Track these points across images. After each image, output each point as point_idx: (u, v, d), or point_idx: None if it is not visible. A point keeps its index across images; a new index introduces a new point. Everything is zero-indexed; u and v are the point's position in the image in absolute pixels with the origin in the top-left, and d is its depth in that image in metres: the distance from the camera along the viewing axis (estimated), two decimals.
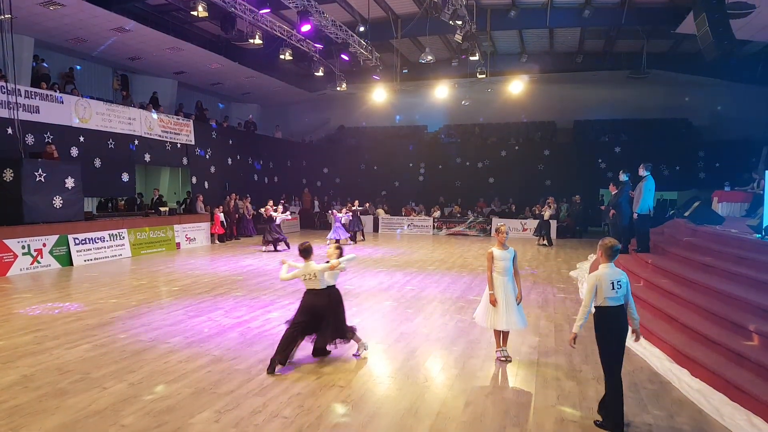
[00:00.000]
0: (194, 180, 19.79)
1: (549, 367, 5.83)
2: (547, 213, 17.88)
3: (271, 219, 16.02)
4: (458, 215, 22.46)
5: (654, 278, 8.07)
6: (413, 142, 25.64)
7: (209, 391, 5.00)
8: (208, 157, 20.58)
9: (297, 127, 27.76)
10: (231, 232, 19.06)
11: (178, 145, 18.90)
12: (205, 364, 5.76)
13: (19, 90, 13.13)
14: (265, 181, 24.68)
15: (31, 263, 11.85)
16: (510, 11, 16.85)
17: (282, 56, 15.47)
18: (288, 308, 8.43)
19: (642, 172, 9.80)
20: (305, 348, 6.11)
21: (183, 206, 18.68)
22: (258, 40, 14.31)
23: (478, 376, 5.58)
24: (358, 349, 6.17)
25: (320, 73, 17.47)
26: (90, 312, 8.08)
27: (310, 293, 5.88)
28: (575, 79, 22.47)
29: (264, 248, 15.95)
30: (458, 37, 13.96)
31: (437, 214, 22.74)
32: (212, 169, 20.85)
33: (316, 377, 5.43)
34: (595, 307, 4.46)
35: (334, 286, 6.06)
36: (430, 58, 15.95)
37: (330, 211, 19.75)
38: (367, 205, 22.98)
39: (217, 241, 18.17)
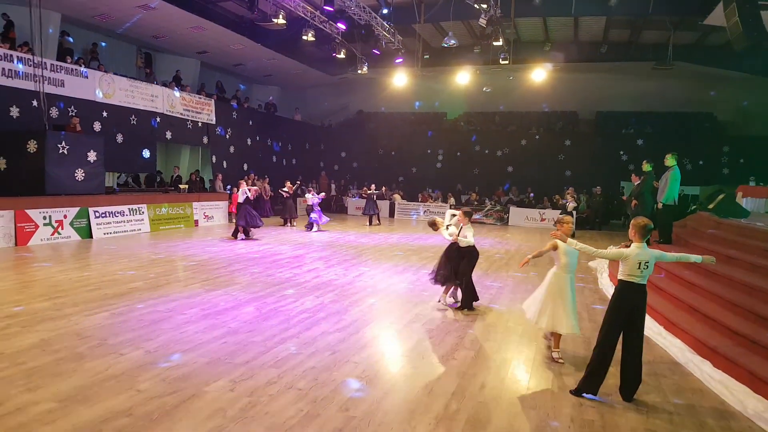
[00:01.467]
0: (214, 159, 19.90)
1: (567, 353, 5.74)
2: (570, 204, 17.58)
3: (248, 201, 13.86)
4: (475, 203, 22.28)
5: (676, 270, 7.91)
6: (432, 129, 25.42)
7: (225, 361, 5.02)
8: (228, 136, 20.66)
9: (316, 110, 27.69)
10: None
11: (200, 124, 18.99)
12: (220, 335, 5.79)
13: (44, 63, 13.24)
14: (283, 162, 24.75)
15: (52, 234, 12.02)
16: None
17: (305, 37, 15.35)
18: (304, 286, 8.46)
19: (669, 161, 9.59)
20: (314, 332, 6.08)
21: (187, 185, 17.84)
22: (281, 20, 14.22)
23: (495, 359, 5.52)
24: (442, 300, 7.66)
25: (342, 55, 17.32)
26: (108, 282, 8.18)
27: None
28: (599, 69, 22.04)
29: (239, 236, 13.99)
30: (482, 21, 13.73)
31: (452, 201, 22.60)
32: (231, 149, 20.93)
33: (331, 353, 5.43)
34: (618, 279, 4.55)
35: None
36: (453, 42, 15.72)
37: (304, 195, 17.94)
38: (384, 189, 22.86)
39: (233, 220, 18.25)
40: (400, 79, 19.97)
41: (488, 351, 5.74)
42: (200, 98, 19.14)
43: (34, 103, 12.94)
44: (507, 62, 17.96)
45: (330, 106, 27.62)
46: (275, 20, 14.22)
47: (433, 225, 7.80)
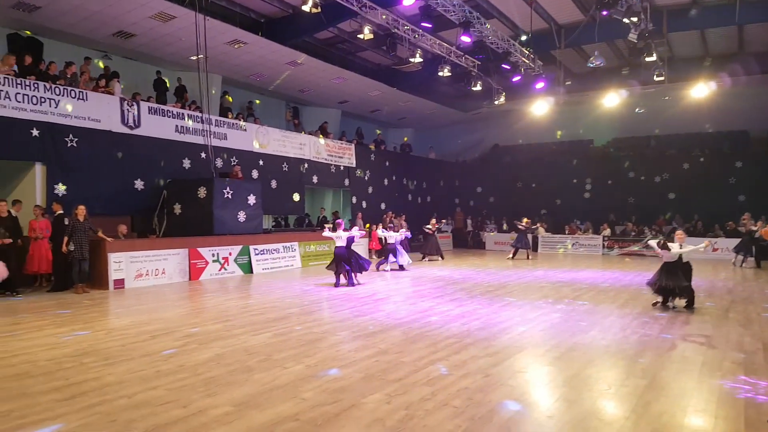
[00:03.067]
0: (354, 200, 20.92)
1: (759, 383, 4.88)
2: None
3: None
4: (633, 233, 20.45)
5: None
6: (577, 157, 24.05)
7: (378, 377, 5.05)
8: (366, 178, 21.65)
9: (450, 147, 27.87)
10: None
11: (341, 168, 20.21)
12: (372, 355, 5.86)
13: (210, 119, 15.10)
14: (418, 200, 25.21)
15: (219, 269, 13.34)
16: (690, 10, 15.21)
17: (441, 73, 15.65)
18: (446, 314, 8.30)
19: None
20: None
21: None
22: (418, 58, 14.72)
23: (672, 387, 4.86)
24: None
25: (478, 88, 17.27)
26: (269, 308, 8.81)
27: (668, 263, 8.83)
28: None
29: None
30: (633, 37, 12.86)
31: (607, 232, 20.96)
32: (370, 190, 21.85)
33: (484, 376, 5.17)
34: None
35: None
36: (599, 61, 14.93)
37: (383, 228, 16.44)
38: (536, 222, 21.67)
39: (374, 256, 18.82)
40: (540, 107, 19.26)
41: (664, 380, 5.06)
42: (342, 143, 20.43)
43: (203, 154, 14.73)
44: (662, 78, 16.50)
45: (464, 142, 27.66)
46: (412, 60, 14.75)
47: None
